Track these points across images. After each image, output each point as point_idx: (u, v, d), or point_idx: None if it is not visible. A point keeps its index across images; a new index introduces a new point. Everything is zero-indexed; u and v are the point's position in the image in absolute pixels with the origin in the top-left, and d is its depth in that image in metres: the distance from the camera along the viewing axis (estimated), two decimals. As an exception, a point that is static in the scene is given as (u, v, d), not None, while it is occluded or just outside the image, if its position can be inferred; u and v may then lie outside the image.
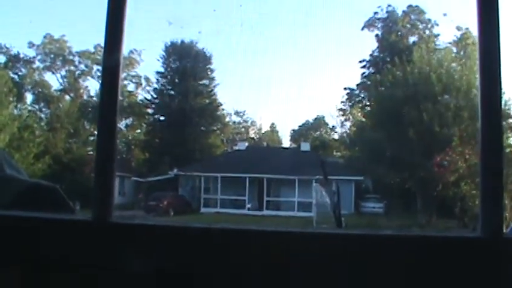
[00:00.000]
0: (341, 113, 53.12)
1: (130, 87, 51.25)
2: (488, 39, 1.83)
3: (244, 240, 1.84)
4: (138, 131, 53.69)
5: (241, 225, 2.01)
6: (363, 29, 46.48)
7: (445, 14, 46.24)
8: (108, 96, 1.96)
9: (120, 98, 1.97)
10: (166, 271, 1.85)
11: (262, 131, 65.90)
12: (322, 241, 1.87)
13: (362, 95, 50.07)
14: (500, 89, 1.87)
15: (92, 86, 52.31)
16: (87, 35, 50.97)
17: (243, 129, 63.11)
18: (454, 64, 36.31)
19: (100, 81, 2.17)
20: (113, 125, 1.87)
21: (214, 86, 50.68)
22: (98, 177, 1.94)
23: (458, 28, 41.14)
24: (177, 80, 49.27)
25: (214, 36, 58.93)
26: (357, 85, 49.67)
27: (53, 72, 50.47)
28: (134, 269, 1.82)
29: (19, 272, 1.90)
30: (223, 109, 53.42)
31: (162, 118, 50.52)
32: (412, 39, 46.95)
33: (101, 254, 1.84)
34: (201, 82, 50.20)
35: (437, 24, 45.56)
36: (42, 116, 47.19)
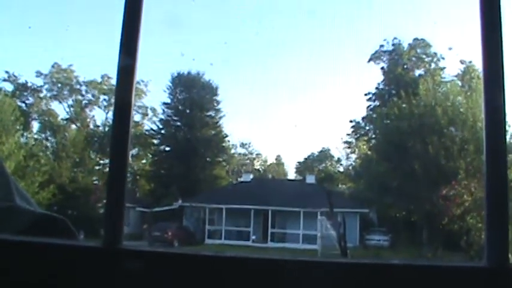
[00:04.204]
0: (346, 145, 53.28)
1: (137, 117, 51.49)
2: (493, 72, 1.86)
3: (252, 268, 1.85)
4: (144, 161, 53.76)
5: (248, 254, 2.02)
6: (369, 61, 46.79)
7: (450, 48, 46.66)
8: (120, 127, 1.99)
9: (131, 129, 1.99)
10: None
11: (268, 163, 66.10)
12: (329, 270, 1.88)
13: (367, 128, 50.13)
14: (505, 122, 1.89)
15: (99, 115, 52.69)
16: (94, 65, 51.60)
17: (248, 161, 63.28)
18: (459, 97, 36.34)
19: (112, 113, 2.19)
20: (125, 147, 1.90)
21: (220, 118, 50.97)
22: (109, 202, 1.96)
23: (462, 62, 41.37)
24: (183, 111, 49.46)
25: (221, 68, 59.60)
26: (363, 118, 49.83)
27: (60, 101, 50.90)
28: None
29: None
30: (228, 140, 53.63)
31: (167, 149, 50.64)
32: (418, 72, 47.15)
33: (111, 280, 1.86)
34: (207, 113, 50.45)
35: (443, 58, 45.84)
36: (48, 144, 47.31)
